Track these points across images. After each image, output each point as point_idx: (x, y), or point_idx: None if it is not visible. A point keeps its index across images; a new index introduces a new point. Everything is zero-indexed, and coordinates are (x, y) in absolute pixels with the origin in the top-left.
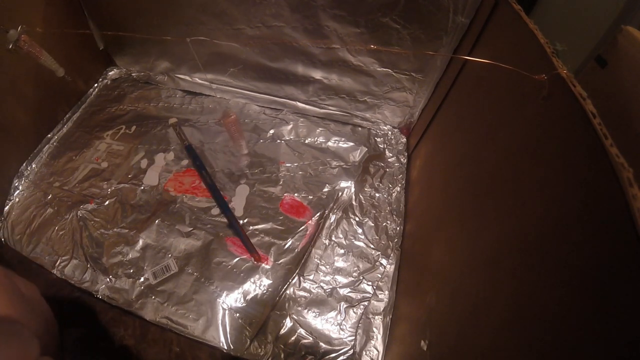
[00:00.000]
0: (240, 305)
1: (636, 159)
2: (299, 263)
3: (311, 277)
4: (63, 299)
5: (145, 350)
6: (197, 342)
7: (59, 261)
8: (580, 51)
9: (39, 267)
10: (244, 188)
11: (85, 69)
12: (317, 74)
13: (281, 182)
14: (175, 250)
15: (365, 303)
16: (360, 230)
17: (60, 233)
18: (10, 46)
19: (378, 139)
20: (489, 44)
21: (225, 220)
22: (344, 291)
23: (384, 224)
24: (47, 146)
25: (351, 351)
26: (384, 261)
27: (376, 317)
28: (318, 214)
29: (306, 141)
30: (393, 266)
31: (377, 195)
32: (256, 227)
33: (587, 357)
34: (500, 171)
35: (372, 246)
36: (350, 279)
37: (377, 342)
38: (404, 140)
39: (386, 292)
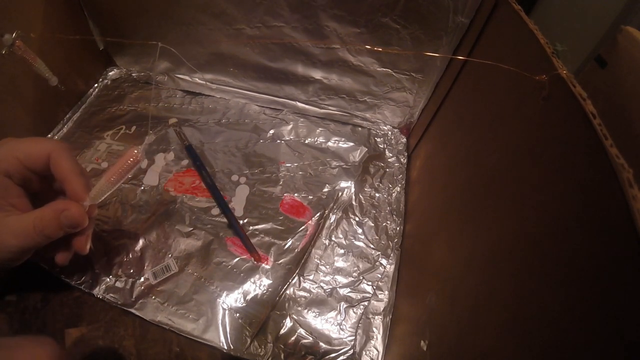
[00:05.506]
0: (240, 305)
1: (636, 159)
2: (299, 263)
3: (311, 277)
4: (63, 299)
5: (145, 350)
6: (197, 342)
7: None
8: (580, 51)
9: (39, 268)
10: (244, 188)
11: (85, 69)
12: (317, 74)
13: (281, 182)
14: (175, 250)
15: (365, 303)
16: (360, 230)
17: None
18: (4, 51)
19: (378, 139)
20: (489, 44)
21: (225, 220)
22: (344, 291)
23: (384, 224)
24: None
25: (351, 351)
26: (384, 261)
27: (376, 317)
28: (318, 214)
29: (306, 141)
30: (393, 266)
31: (377, 195)
32: (256, 227)
33: (587, 358)
34: (500, 171)
35: (372, 246)
36: (350, 279)
37: (377, 342)
38: (404, 140)
39: (386, 292)
